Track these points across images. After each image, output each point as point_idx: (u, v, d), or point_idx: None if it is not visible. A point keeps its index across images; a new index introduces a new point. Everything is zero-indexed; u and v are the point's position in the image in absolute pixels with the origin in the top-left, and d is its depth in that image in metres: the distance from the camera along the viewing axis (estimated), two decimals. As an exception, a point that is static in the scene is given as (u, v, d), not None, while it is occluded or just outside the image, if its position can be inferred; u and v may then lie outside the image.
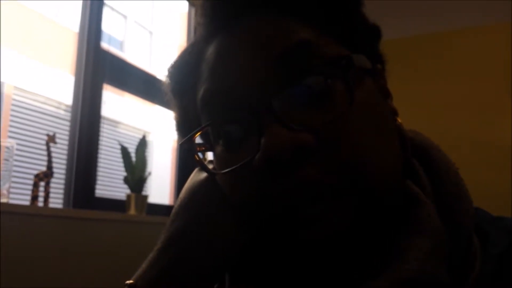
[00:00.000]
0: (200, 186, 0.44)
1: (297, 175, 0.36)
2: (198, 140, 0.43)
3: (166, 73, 0.51)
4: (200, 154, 0.44)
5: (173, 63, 0.50)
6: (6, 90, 3.53)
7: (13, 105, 3.25)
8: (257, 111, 0.38)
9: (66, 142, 2.02)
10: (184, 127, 0.50)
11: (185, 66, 0.48)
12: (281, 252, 0.40)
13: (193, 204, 0.44)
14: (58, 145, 1.87)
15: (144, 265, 0.42)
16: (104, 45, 2.14)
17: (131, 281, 0.41)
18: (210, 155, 0.48)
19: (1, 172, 1.51)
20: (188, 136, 0.43)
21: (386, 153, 0.40)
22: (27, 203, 1.71)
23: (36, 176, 1.73)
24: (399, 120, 0.45)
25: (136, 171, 2.11)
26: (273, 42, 0.40)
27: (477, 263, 0.40)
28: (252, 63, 0.40)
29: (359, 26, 0.45)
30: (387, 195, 0.38)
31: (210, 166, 0.45)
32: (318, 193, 0.36)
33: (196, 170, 0.48)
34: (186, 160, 2.68)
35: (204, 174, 0.45)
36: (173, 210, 0.45)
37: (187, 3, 2.90)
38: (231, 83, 0.40)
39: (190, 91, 0.47)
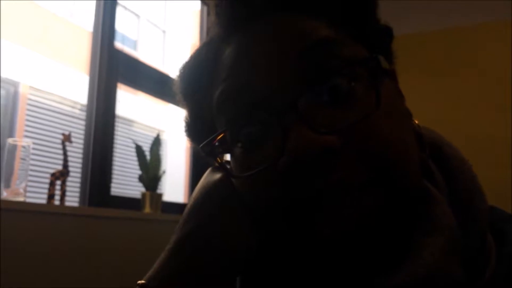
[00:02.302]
0: (214, 187, 0.44)
1: (324, 177, 0.36)
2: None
3: (178, 73, 0.50)
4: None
5: (185, 64, 0.49)
6: (22, 89, 3.57)
7: (28, 104, 3.29)
8: (280, 112, 0.37)
9: (82, 141, 2.04)
10: (195, 129, 0.50)
11: (199, 67, 0.47)
12: (296, 253, 0.39)
13: (207, 204, 0.43)
14: (73, 144, 1.88)
15: (156, 265, 0.42)
16: (118, 44, 2.16)
17: (142, 281, 0.41)
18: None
19: (18, 171, 1.53)
20: (209, 139, 0.42)
21: (408, 152, 0.39)
22: (44, 201, 1.73)
23: (52, 175, 1.75)
24: (416, 121, 0.45)
25: (150, 169, 2.12)
26: (294, 41, 0.39)
27: (491, 261, 0.39)
28: (273, 62, 0.39)
29: (375, 26, 0.45)
30: (409, 193, 0.38)
31: (228, 167, 0.44)
32: (346, 192, 0.36)
33: (209, 169, 0.47)
34: (199, 158, 2.69)
35: (218, 174, 0.44)
36: (186, 210, 0.44)
37: (199, 1, 2.91)
38: (251, 83, 0.39)
39: (203, 93, 0.46)
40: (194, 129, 0.50)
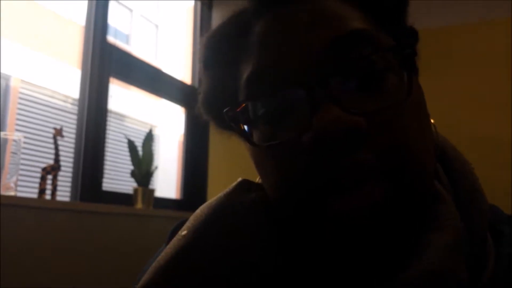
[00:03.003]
0: (221, 201, 0.44)
1: (348, 156, 0.36)
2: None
3: (204, 42, 0.49)
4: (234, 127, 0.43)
5: (212, 33, 0.49)
6: (13, 83, 3.54)
7: (20, 98, 3.27)
8: (311, 88, 0.37)
9: (73, 136, 2.02)
10: (216, 100, 0.49)
11: (226, 38, 0.47)
12: (308, 241, 0.39)
13: (218, 219, 0.42)
14: (65, 139, 1.87)
15: (151, 271, 0.41)
16: (110, 38, 2.14)
17: None
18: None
19: (9, 166, 1.52)
20: (235, 104, 0.41)
21: (428, 147, 0.40)
22: (35, 196, 1.71)
23: (44, 169, 1.74)
24: (432, 120, 0.45)
25: (143, 165, 2.11)
26: (333, 24, 0.39)
27: (490, 262, 0.39)
28: (309, 41, 0.39)
29: (403, 25, 0.46)
30: (423, 187, 0.38)
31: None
32: (365, 175, 0.36)
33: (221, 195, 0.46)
34: (193, 154, 2.68)
35: (224, 198, 0.44)
36: (196, 222, 0.43)
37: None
38: (285, 58, 0.40)
39: (229, 64, 0.46)
40: (214, 100, 0.49)
